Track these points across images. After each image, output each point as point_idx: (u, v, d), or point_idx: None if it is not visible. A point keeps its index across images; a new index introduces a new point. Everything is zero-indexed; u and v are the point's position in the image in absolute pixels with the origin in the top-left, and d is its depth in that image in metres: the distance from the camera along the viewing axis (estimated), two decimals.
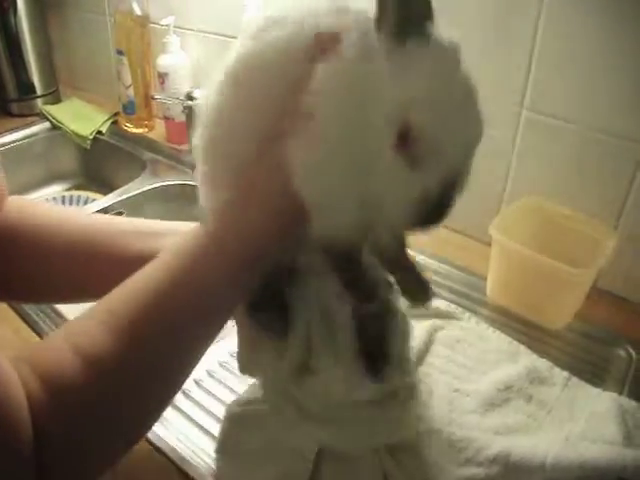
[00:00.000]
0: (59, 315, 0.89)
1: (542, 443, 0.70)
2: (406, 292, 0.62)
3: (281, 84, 0.49)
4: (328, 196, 0.49)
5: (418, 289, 0.62)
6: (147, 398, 0.51)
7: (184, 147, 1.36)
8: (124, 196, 1.21)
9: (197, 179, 0.59)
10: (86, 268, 0.65)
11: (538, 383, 0.81)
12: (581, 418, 0.76)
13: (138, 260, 0.54)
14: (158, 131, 1.46)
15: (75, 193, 1.43)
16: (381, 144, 0.45)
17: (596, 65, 0.88)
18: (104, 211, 1.16)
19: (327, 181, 0.48)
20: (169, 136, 1.41)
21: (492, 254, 0.93)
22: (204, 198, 0.58)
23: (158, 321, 0.49)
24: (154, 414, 0.53)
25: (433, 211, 0.47)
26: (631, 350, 0.89)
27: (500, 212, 0.96)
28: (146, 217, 1.18)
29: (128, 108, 1.45)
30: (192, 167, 1.32)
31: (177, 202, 1.27)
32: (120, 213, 1.17)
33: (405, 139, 0.44)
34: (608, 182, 0.94)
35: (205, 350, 0.54)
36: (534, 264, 0.86)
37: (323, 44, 0.47)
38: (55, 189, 1.52)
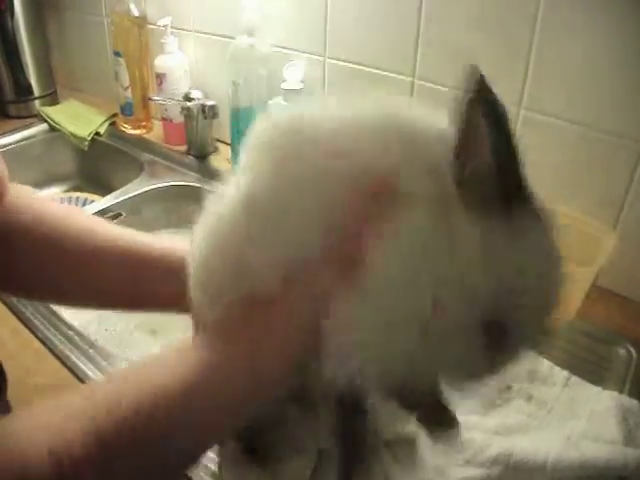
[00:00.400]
0: (57, 317, 0.89)
1: (543, 443, 0.70)
2: (427, 427, 0.56)
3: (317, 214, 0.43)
4: (363, 362, 0.43)
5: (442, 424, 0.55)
6: None
7: (182, 148, 1.36)
8: (122, 197, 1.21)
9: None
10: (97, 272, 0.63)
11: (538, 383, 0.81)
12: (582, 417, 0.76)
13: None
14: (156, 132, 1.46)
15: (73, 194, 1.43)
16: (457, 326, 0.40)
17: (594, 63, 0.88)
18: (102, 212, 1.16)
19: (366, 346, 0.42)
20: (167, 137, 1.40)
21: None
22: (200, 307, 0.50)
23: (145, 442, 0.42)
24: None
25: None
26: (631, 349, 0.88)
27: None
28: (145, 218, 1.19)
29: (126, 109, 1.45)
30: (190, 168, 1.32)
31: (175, 202, 1.27)
32: (119, 215, 1.16)
33: (493, 329, 0.40)
34: (607, 181, 0.93)
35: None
36: None
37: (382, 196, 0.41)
38: (53, 190, 1.52)
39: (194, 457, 0.47)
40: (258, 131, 0.49)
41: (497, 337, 0.40)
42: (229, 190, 0.48)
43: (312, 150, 0.45)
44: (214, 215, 0.48)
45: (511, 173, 0.39)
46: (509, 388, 0.79)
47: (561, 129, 0.94)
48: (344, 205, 0.42)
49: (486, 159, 0.38)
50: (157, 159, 1.36)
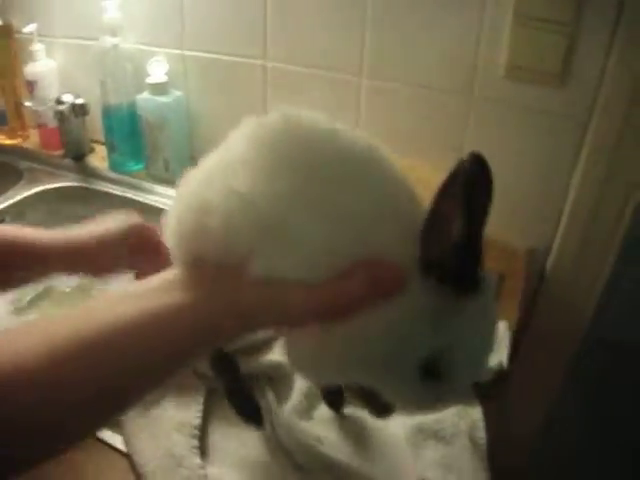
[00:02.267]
0: None
1: None
2: (371, 412, 0.66)
3: None
4: (310, 375, 0.55)
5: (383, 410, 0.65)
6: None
7: (59, 152, 1.39)
8: (4, 204, 1.23)
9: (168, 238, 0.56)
10: None
11: None
12: None
13: None
14: (33, 140, 1.48)
15: None
16: (403, 373, 0.46)
17: (420, 30, 1.00)
18: None
19: (317, 369, 0.53)
20: (43, 143, 1.43)
21: None
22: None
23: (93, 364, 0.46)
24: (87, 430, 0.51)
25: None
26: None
27: None
28: (30, 222, 1.22)
29: None
30: (69, 170, 1.35)
31: (58, 204, 1.30)
32: (2, 220, 1.19)
33: (431, 369, 0.45)
34: (446, 134, 1.05)
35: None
36: None
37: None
38: None
39: (141, 391, 0.51)
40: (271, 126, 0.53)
41: (432, 375, 0.46)
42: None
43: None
44: (196, 189, 0.54)
45: (469, 263, 0.44)
46: None
47: (401, 92, 1.05)
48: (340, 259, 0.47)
49: (449, 246, 0.42)
50: (35, 165, 1.38)
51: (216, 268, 0.50)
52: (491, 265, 0.98)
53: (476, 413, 0.75)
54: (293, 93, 1.16)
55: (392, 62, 1.04)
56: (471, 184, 0.41)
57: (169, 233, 0.55)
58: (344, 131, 0.53)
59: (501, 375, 0.79)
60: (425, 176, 1.02)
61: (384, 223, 0.48)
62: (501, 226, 1.07)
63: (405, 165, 1.03)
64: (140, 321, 0.47)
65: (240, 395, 0.69)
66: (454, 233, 0.41)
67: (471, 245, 0.42)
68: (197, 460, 0.66)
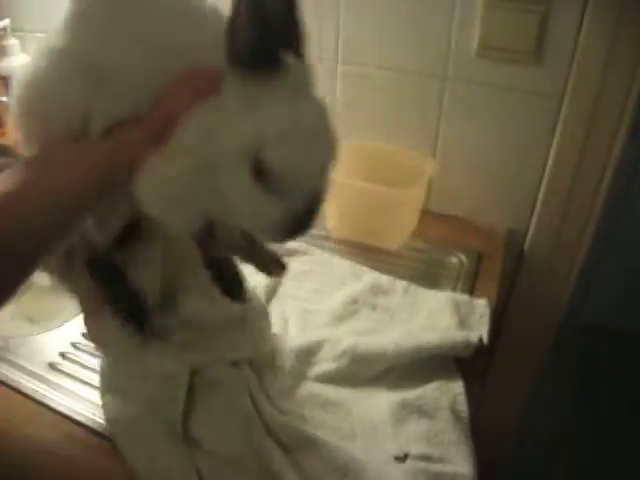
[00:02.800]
0: None
1: (386, 338, 0.81)
2: (263, 270, 0.69)
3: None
4: (168, 211, 0.53)
5: (273, 265, 0.69)
6: None
7: None
8: None
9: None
10: None
11: (381, 294, 0.92)
12: (421, 316, 0.87)
13: None
14: (10, 137, 1.47)
15: None
16: (234, 174, 0.47)
17: (391, 13, 1.00)
18: None
19: (170, 198, 0.51)
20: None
21: None
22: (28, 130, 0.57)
23: None
24: None
25: (297, 226, 0.50)
26: (462, 256, 1.02)
27: None
28: None
29: None
30: None
31: None
32: None
33: (260, 171, 0.46)
34: (421, 116, 1.06)
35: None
36: (363, 193, 0.97)
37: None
38: None
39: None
40: None
41: (263, 175, 0.46)
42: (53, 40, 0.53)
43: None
44: (40, 62, 0.53)
45: (264, 45, 0.45)
46: (355, 302, 0.89)
47: (374, 76, 1.06)
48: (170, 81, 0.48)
49: (245, 36, 0.44)
50: (14, 161, 1.37)
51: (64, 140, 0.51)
52: (470, 245, 1.00)
53: (458, 387, 0.76)
54: None
55: (366, 46, 1.04)
56: None
57: (16, 119, 0.56)
58: None
59: (481, 350, 0.80)
60: (400, 159, 1.03)
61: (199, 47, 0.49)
62: (479, 207, 1.09)
63: (381, 149, 1.05)
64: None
65: (125, 298, 0.69)
66: (245, 25, 0.44)
67: (257, 31, 0.44)
68: (181, 446, 0.66)
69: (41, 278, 1.16)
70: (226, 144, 0.46)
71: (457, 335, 0.80)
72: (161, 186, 0.50)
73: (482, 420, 1.20)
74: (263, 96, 0.46)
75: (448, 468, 0.66)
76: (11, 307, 1.08)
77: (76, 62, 0.51)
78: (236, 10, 0.44)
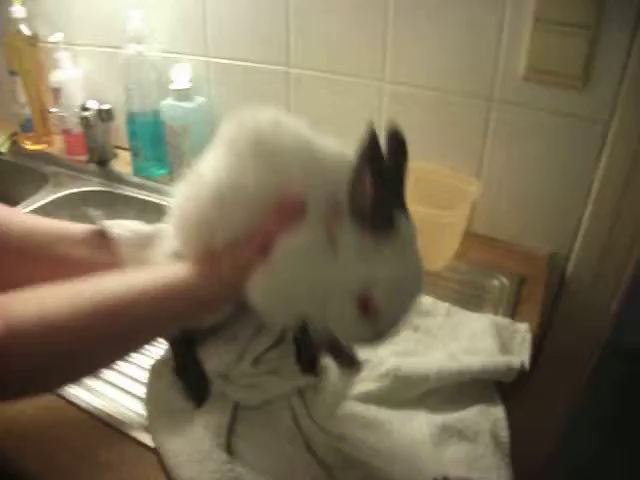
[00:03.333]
0: None
1: (429, 361, 0.81)
2: (341, 365, 0.78)
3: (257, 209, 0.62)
4: (272, 310, 0.64)
5: (351, 364, 0.78)
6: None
7: (83, 158, 1.41)
8: (30, 207, 1.25)
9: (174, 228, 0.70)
10: (34, 268, 0.73)
11: (423, 315, 0.92)
12: (463, 338, 0.87)
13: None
14: (58, 146, 1.51)
15: None
16: (342, 304, 0.57)
17: (440, 36, 1.01)
18: None
19: (275, 302, 0.63)
20: (68, 149, 1.45)
21: None
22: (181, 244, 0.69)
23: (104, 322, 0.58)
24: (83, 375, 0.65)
25: (380, 339, 0.59)
26: (503, 279, 1.01)
27: None
28: None
29: (25, 126, 1.49)
30: (93, 175, 1.38)
31: (82, 208, 1.32)
32: None
33: (365, 306, 0.55)
34: (467, 137, 1.06)
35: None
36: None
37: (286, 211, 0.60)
38: None
39: (138, 342, 0.65)
40: (231, 128, 0.68)
41: (367, 310, 0.56)
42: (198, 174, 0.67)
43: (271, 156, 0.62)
44: (189, 191, 0.67)
45: (384, 209, 0.56)
46: None
47: (421, 96, 1.06)
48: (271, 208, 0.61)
49: (367, 197, 0.54)
50: (61, 170, 1.41)
51: (204, 251, 0.64)
52: (512, 268, 1.00)
53: (499, 412, 0.76)
54: (315, 99, 1.17)
55: (413, 66, 1.05)
56: (368, 155, 0.54)
57: (172, 224, 0.69)
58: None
59: (522, 375, 0.79)
60: (445, 180, 1.03)
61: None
62: (523, 230, 1.08)
63: (425, 168, 1.05)
64: (149, 286, 0.61)
65: (191, 371, 0.75)
66: (367, 189, 0.54)
67: (379, 196, 0.54)
68: (223, 455, 0.67)
69: None
70: (341, 281, 0.57)
71: (499, 360, 0.80)
72: (268, 292, 0.62)
73: (519, 444, 1.19)
74: (378, 247, 0.55)
75: None
76: None
77: (211, 191, 0.63)
78: (359, 172, 0.55)
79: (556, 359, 1.18)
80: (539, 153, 1.01)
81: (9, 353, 0.52)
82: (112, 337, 0.60)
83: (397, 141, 0.58)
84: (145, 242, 0.77)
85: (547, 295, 1.02)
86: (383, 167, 0.55)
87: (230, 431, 0.70)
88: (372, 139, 0.54)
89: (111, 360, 0.65)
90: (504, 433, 0.73)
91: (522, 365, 0.79)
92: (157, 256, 0.73)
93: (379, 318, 0.56)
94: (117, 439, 0.72)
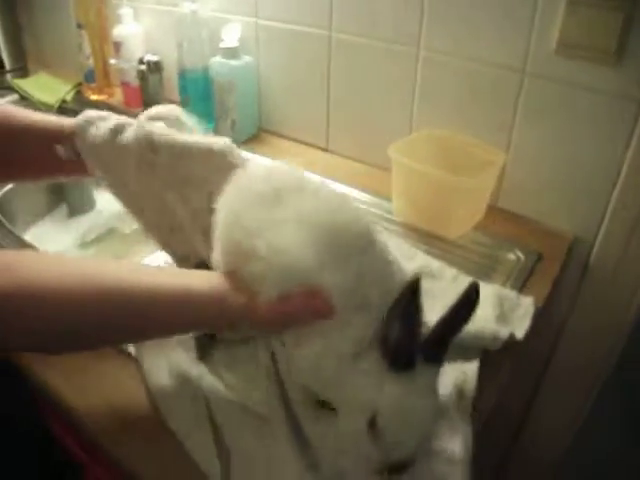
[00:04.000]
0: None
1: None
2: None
3: None
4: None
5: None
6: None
7: (139, 110, 1.47)
8: None
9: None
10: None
11: (428, 277, 0.92)
12: None
13: None
14: (117, 97, 1.59)
15: None
16: (354, 417, 0.58)
17: (474, 5, 1.00)
18: None
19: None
20: (126, 100, 1.53)
21: (393, 175, 1.04)
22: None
23: (121, 309, 0.59)
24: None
25: (379, 473, 0.58)
26: (519, 253, 1.01)
27: (400, 139, 1.07)
28: None
29: (89, 77, 1.57)
30: None
31: None
32: None
33: (373, 424, 0.56)
34: (497, 109, 1.05)
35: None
36: (429, 178, 0.98)
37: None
38: None
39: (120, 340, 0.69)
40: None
41: (373, 429, 0.57)
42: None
43: None
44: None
45: (405, 353, 0.57)
46: None
47: (455, 65, 1.06)
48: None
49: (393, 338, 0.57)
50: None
51: (243, 280, 0.63)
52: (532, 245, 0.99)
53: (471, 370, 0.76)
54: (354, 64, 1.19)
55: (448, 35, 1.05)
56: (404, 304, 0.57)
57: (215, 247, 0.68)
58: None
59: (509, 345, 0.80)
60: (473, 150, 1.04)
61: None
62: (548, 209, 1.07)
63: (455, 138, 1.06)
64: (173, 290, 0.61)
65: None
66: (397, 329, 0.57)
67: (403, 341, 0.57)
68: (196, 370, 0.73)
69: (124, 225, 1.26)
70: (358, 396, 0.58)
71: (487, 327, 0.80)
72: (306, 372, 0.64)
73: (529, 433, 1.19)
74: (394, 379, 0.57)
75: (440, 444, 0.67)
76: (94, 249, 1.17)
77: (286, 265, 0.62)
78: (391, 315, 0.58)
79: (578, 345, 1.17)
80: (569, 130, 1.00)
81: (13, 311, 0.54)
82: (119, 330, 0.62)
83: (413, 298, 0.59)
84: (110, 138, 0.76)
85: (561, 274, 1.01)
86: (417, 320, 0.58)
87: (209, 355, 0.75)
88: (411, 291, 0.58)
89: (114, 345, 0.70)
90: (470, 389, 0.74)
91: (511, 336, 0.80)
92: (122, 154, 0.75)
93: (382, 440, 0.57)
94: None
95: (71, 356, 0.69)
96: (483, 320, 0.82)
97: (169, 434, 0.68)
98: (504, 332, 0.79)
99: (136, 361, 0.76)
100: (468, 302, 0.59)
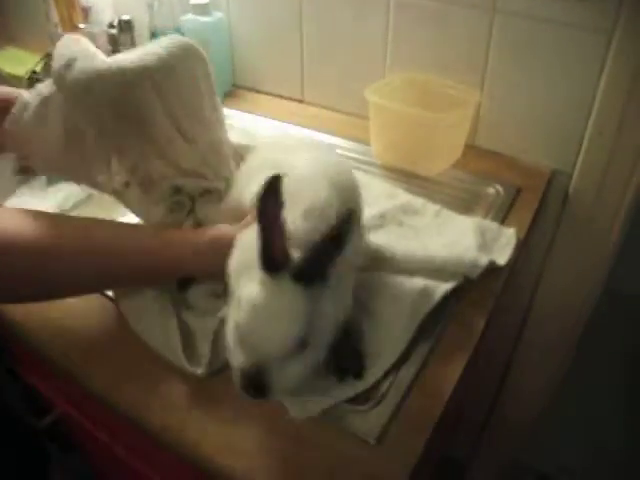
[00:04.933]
0: None
1: (400, 246, 0.84)
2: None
3: None
4: None
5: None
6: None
7: None
8: None
9: None
10: None
11: (411, 214, 0.94)
12: (445, 236, 0.89)
13: None
14: None
15: None
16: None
17: None
18: None
19: None
20: None
21: (370, 118, 1.05)
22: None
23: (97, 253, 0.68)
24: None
25: (243, 382, 0.56)
26: (499, 187, 1.03)
27: (375, 83, 1.08)
28: None
29: None
30: None
31: None
32: None
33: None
34: (470, 50, 1.06)
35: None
36: (404, 117, 0.99)
37: None
38: None
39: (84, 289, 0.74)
40: None
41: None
42: None
43: None
44: None
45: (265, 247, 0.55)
46: (382, 217, 0.92)
47: (426, 7, 1.07)
48: None
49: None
50: None
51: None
52: (511, 180, 1.01)
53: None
54: (326, 12, 1.19)
55: None
56: (261, 199, 0.54)
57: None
58: None
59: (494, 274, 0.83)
60: (448, 90, 1.05)
61: None
62: (525, 145, 1.09)
63: (429, 80, 1.07)
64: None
65: None
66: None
67: (263, 239, 0.54)
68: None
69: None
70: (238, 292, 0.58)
71: (468, 254, 0.82)
72: None
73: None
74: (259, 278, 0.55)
75: None
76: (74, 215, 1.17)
77: None
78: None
79: (560, 278, 1.19)
80: (542, 66, 1.01)
81: None
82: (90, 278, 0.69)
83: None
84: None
85: (541, 206, 1.03)
86: (272, 217, 0.55)
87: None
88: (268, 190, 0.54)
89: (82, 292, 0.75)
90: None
91: (491, 263, 0.82)
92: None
93: (241, 340, 0.56)
94: None
95: None
96: (465, 249, 0.84)
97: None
98: (484, 260, 0.81)
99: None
100: (339, 231, 0.54)
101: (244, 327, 0.55)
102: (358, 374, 0.70)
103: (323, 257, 0.55)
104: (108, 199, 0.95)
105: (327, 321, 0.58)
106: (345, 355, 0.70)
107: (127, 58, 0.73)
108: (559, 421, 1.50)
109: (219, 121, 0.84)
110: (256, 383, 0.55)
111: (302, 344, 0.55)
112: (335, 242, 0.54)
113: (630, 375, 1.49)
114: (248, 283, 0.56)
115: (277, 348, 0.54)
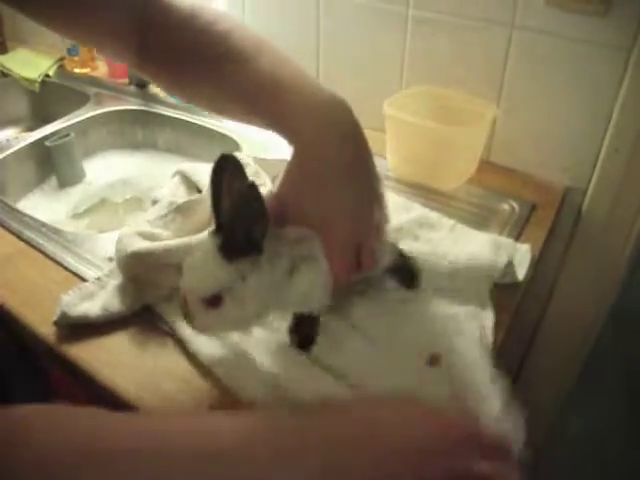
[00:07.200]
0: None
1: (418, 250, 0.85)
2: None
3: None
4: None
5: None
6: None
7: (124, 80, 1.47)
8: (71, 122, 1.31)
9: None
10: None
11: (427, 228, 0.94)
12: (461, 251, 0.89)
13: None
14: (102, 70, 1.57)
15: (27, 135, 1.52)
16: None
17: None
18: (53, 134, 1.27)
19: None
20: (111, 71, 1.51)
21: (387, 131, 1.05)
22: None
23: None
24: None
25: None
26: (514, 204, 1.02)
27: (392, 97, 1.07)
28: (91, 139, 1.31)
29: (72, 50, 1.55)
30: (132, 95, 1.43)
31: (119, 125, 1.39)
32: (67, 134, 1.27)
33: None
34: (487, 65, 1.07)
35: None
36: (421, 131, 0.99)
37: None
38: (8, 133, 1.60)
39: None
40: None
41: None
42: None
43: None
44: None
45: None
46: (399, 230, 0.91)
47: (444, 23, 1.07)
48: None
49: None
50: (102, 91, 1.46)
51: None
52: (526, 197, 1.01)
53: (488, 317, 0.79)
54: (344, 25, 1.19)
55: None
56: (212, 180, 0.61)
57: None
58: None
59: (518, 285, 0.84)
60: (463, 105, 1.05)
61: None
62: (540, 161, 1.09)
63: (447, 94, 1.07)
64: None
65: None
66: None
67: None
68: None
69: (116, 195, 1.25)
70: None
71: (484, 257, 0.84)
72: None
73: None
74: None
75: None
76: (87, 219, 1.17)
77: None
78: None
79: (572, 293, 1.19)
80: (560, 82, 1.01)
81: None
82: None
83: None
84: None
85: (556, 222, 1.03)
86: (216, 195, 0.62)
87: None
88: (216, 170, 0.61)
89: None
90: (489, 335, 0.76)
91: (512, 275, 0.82)
92: None
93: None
94: None
95: None
96: (483, 258, 0.84)
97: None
98: (501, 261, 0.83)
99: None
100: (247, 197, 0.58)
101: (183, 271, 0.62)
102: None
103: (237, 234, 0.60)
104: (121, 204, 0.95)
105: (253, 293, 0.62)
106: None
107: None
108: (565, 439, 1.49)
109: None
110: (185, 311, 0.63)
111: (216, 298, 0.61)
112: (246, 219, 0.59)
113: (635, 394, 1.49)
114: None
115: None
